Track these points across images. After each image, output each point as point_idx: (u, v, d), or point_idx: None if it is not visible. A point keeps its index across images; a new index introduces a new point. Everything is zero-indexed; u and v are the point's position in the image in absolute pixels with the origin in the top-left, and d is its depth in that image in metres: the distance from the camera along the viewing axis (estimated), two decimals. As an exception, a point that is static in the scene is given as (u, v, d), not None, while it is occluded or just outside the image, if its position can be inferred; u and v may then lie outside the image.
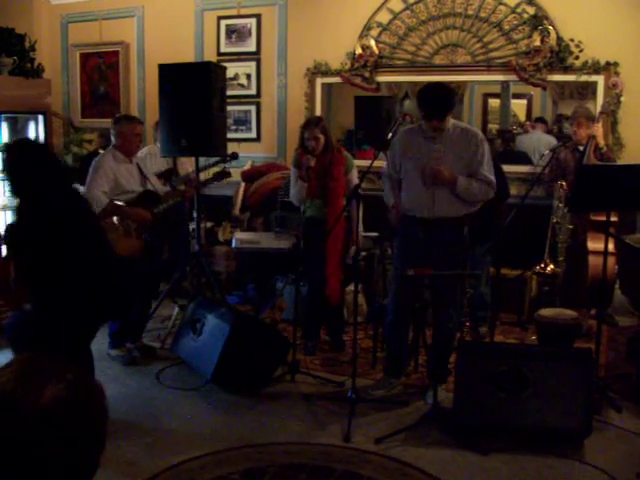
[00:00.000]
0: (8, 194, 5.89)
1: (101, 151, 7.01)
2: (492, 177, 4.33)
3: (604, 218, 4.69)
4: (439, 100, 4.23)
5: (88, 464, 1.26)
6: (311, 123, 5.14)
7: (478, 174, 4.28)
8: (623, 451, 3.79)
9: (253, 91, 7.72)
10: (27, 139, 5.78)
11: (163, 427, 4.08)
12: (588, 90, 6.62)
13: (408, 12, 6.88)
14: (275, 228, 6.14)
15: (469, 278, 5.25)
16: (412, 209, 4.37)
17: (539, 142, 7.33)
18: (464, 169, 4.28)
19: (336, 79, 7.24)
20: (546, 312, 5.07)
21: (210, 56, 7.61)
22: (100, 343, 5.18)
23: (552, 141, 7.33)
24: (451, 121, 4.34)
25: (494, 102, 8.52)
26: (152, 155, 6.30)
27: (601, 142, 5.48)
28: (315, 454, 3.73)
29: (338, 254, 5.12)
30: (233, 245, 5.97)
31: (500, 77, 6.84)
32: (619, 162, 5.90)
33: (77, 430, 1.21)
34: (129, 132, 5.08)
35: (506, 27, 6.56)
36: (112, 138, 5.13)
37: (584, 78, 6.29)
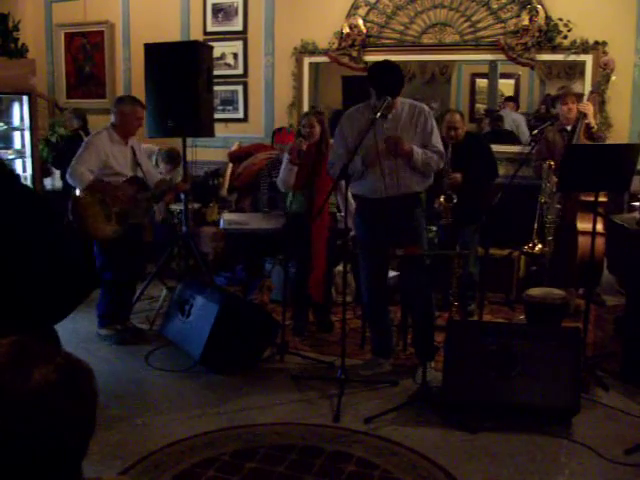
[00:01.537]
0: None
1: (81, 132, 7.00)
2: (442, 147, 4.43)
3: (593, 198, 4.70)
4: (394, 78, 4.27)
5: (77, 448, 1.25)
6: (309, 112, 5.21)
7: (430, 145, 4.35)
8: (611, 429, 3.82)
9: (240, 71, 7.66)
10: None
11: (152, 409, 4.06)
12: (576, 70, 6.61)
13: (396, -10, 6.84)
14: (263, 209, 6.12)
15: (457, 258, 5.26)
16: (371, 190, 4.37)
17: (509, 121, 7.34)
18: (414, 142, 4.32)
19: (323, 58, 7.19)
20: (534, 291, 5.09)
21: (196, 35, 7.53)
22: (89, 325, 5.19)
23: (518, 119, 7.36)
24: (399, 98, 4.37)
25: (482, 82, 8.49)
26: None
27: (592, 122, 5.47)
28: (305, 434, 3.73)
29: (323, 247, 5.11)
30: (221, 226, 5.95)
31: (488, 56, 6.82)
32: (607, 142, 5.90)
33: (66, 413, 1.20)
34: (130, 114, 5.01)
35: (494, 6, 6.53)
36: (112, 117, 5.07)
37: (572, 57, 6.29)
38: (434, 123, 4.43)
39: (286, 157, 5.15)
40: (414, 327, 4.74)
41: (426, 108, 4.46)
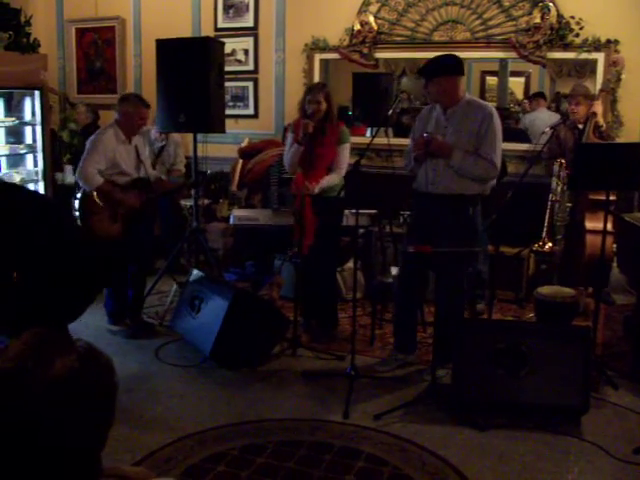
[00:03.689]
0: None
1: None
2: (494, 155, 4.23)
3: (603, 197, 4.69)
4: (431, 62, 4.32)
5: (97, 436, 1.26)
6: (315, 87, 5.05)
7: (481, 151, 4.22)
8: (620, 428, 3.82)
9: (250, 67, 7.66)
10: None
11: (162, 403, 4.09)
12: (586, 68, 6.59)
13: (407, -12, 6.83)
14: (273, 205, 6.13)
15: (468, 256, 5.24)
16: (419, 183, 4.38)
17: (550, 120, 7.22)
18: (469, 144, 4.24)
19: (334, 55, 7.19)
20: (545, 290, 5.09)
21: (207, 31, 7.54)
22: (99, 319, 5.21)
23: (549, 120, 7.29)
24: (466, 96, 4.35)
25: (492, 80, 8.51)
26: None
27: (601, 120, 5.47)
28: (314, 430, 3.74)
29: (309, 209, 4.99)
30: (231, 222, 5.96)
31: (499, 54, 6.81)
32: (618, 141, 5.89)
33: (86, 402, 1.22)
34: (133, 113, 5.01)
35: (506, 4, 6.51)
36: (115, 115, 5.07)
37: (584, 56, 6.26)
38: (494, 128, 4.23)
39: (290, 137, 5.12)
40: (436, 328, 4.67)
41: (489, 110, 4.28)
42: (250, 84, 7.69)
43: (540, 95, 7.71)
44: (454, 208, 4.30)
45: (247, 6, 7.57)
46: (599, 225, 4.72)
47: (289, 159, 5.06)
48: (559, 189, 5.50)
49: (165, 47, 5.56)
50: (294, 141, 4.98)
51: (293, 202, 5.15)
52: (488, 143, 4.22)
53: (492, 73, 8.33)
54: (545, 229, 5.57)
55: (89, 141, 4.99)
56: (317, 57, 7.27)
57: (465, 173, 4.25)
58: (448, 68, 4.23)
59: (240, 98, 7.74)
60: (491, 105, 4.52)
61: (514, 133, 7.07)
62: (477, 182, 4.30)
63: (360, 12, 6.98)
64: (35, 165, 7.42)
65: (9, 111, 7.31)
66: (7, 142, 7.33)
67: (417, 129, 4.49)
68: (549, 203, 5.58)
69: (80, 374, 1.21)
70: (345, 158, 4.97)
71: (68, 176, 7.60)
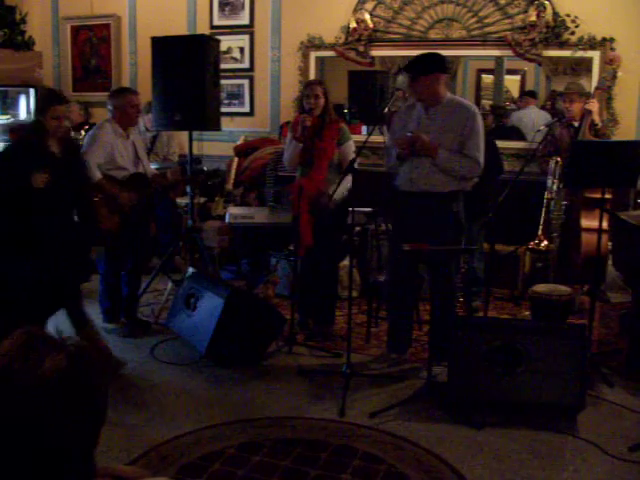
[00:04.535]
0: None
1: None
2: (478, 154, 4.28)
3: (598, 195, 4.69)
4: (417, 59, 4.31)
5: (88, 437, 1.25)
6: (313, 82, 5.07)
7: (465, 150, 4.26)
8: (615, 426, 3.82)
9: (246, 65, 7.66)
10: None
11: (158, 402, 4.08)
12: (582, 66, 6.60)
13: (403, -15, 6.83)
14: (269, 203, 6.12)
15: (464, 254, 5.25)
16: (402, 182, 4.38)
17: (538, 118, 7.25)
18: (452, 143, 4.26)
19: (330, 53, 7.19)
20: (540, 288, 5.09)
21: (203, 29, 7.54)
22: (94, 318, 5.19)
23: (548, 117, 7.30)
24: (448, 95, 4.35)
25: (487, 78, 8.48)
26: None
27: (597, 118, 5.47)
28: (310, 428, 3.74)
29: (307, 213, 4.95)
30: (227, 220, 5.95)
31: (495, 52, 6.81)
32: (613, 138, 5.90)
33: (77, 401, 1.21)
34: (126, 104, 4.98)
35: (502, 2, 6.51)
36: (109, 113, 5.07)
37: (580, 54, 6.28)
38: (477, 127, 4.28)
39: (290, 135, 5.10)
40: (432, 326, 4.67)
41: (472, 110, 4.33)
42: (246, 82, 7.69)
43: (530, 94, 7.74)
44: (437, 205, 4.32)
45: (243, 4, 7.56)
46: (595, 223, 4.72)
47: (288, 156, 5.07)
48: (555, 187, 5.50)
49: (161, 45, 5.55)
50: (292, 139, 4.97)
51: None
52: (472, 142, 4.27)
53: (488, 71, 8.30)
54: (541, 227, 5.58)
55: (88, 135, 5.02)
56: (313, 55, 7.27)
57: (450, 172, 4.28)
58: (431, 66, 4.26)
59: (236, 96, 7.73)
60: (474, 105, 4.57)
61: (509, 131, 7.07)
62: (460, 179, 4.33)
63: (356, 10, 6.98)
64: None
65: (4, 109, 7.30)
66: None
67: (397, 127, 4.48)
68: (545, 201, 5.59)
69: (69, 373, 1.20)
70: (352, 156, 4.94)
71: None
